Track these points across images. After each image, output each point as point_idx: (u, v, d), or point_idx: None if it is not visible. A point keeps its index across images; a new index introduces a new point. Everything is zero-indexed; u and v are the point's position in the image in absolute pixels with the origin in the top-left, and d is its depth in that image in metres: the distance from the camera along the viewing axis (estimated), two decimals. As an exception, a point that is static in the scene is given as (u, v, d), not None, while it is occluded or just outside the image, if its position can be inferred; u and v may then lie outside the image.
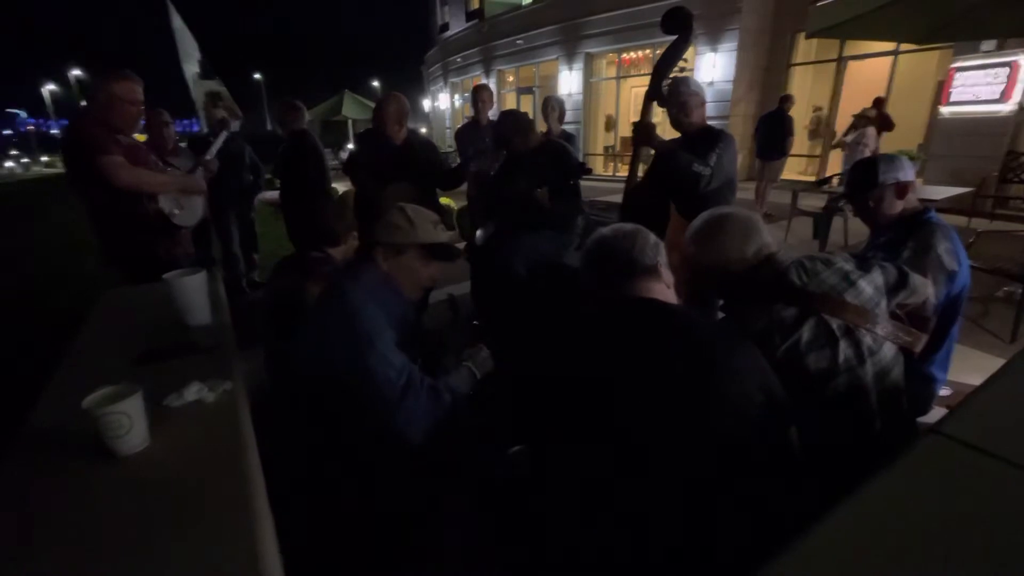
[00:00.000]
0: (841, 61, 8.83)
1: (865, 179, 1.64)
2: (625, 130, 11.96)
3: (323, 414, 1.32)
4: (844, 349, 1.04)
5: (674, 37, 2.18)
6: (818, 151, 9.37)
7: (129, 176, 2.01)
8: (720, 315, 1.27)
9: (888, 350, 1.11)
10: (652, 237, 1.07)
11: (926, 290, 1.35)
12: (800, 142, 9.55)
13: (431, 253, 1.34)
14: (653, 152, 2.34)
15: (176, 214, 2.20)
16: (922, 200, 1.73)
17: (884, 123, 6.37)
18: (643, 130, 2.24)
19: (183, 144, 3.68)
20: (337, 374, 1.20)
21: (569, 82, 12.61)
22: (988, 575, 0.61)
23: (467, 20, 16.45)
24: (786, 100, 6.69)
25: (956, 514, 0.70)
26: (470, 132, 3.82)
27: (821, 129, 9.23)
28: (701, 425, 0.82)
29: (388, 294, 1.30)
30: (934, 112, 7.54)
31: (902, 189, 1.62)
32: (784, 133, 6.62)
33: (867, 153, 5.97)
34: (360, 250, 1.39)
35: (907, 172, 1.62)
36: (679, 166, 2.16)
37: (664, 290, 1.03)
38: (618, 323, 0.96)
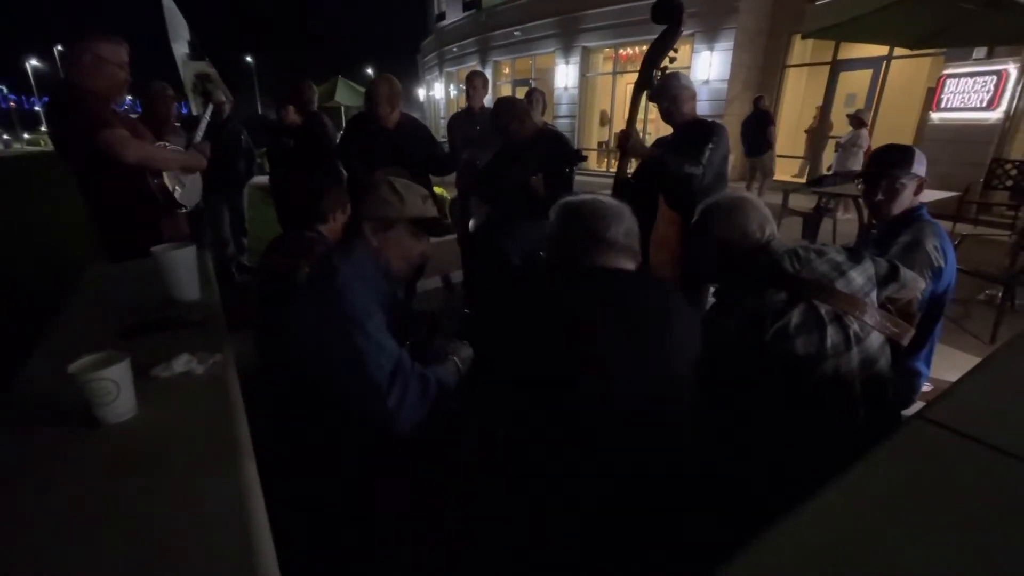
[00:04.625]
0: (836, 64, 8.90)
1: (903, 161, 1.65)
2: (620, 126, 11.94)
3: (310, 394, 1.30)
4: (832, 335, 1.06)
5: (664, 27, 2.19)
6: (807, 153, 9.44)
7: (137, 151, 1.90)
8: (711, 300, 1.29)
9: (875, 339, 1.13)
10: (635, 224, 1.10)
11: (917, 285, 1.37)
12: (795, 143, 9.68)
13: (421, 228, 1.31)
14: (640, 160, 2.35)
15: (178, 191, 2.12)
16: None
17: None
18: (626, 139, 2.24)
19: (177, 124, 3.61)
20: (326, 356, 1.17)
21: (565, 76, 12.58)
22: (970, 551, 0.63)
23: (464, 10, 16.29)
24: (759, 100, 7.15)
25: (939, 495, 0.72)
26: (463, 120, 3.78)
27: (814, 131, 9.29)
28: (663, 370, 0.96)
29: (377, 272, 1.27)
30: (924, 118, 7.64)
31: (921, 185, 1.66)
32: (764, 126, 6.96)
33: (861, 155, 6.06)
34: (349, 226, 1.35)
35: (925, 171, 1.67)
36: (671, 171, 2.17)
37: (629, 264, 1.09)
38: (586, 291, 1.00)
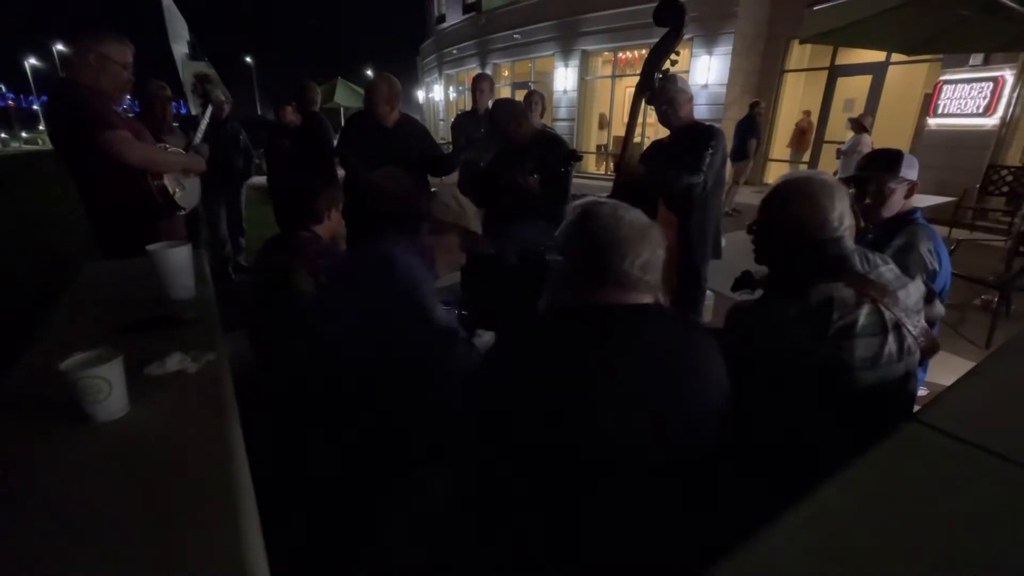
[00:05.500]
0: (833, 69, 8.95)
1: (889, 166, 1.67)
2: (619, 130, 11.99)
3: (310, 391, 1.32)
4: (891, 343, 1.04)
5: (666, 29, 2.19)
6: (806, 157, 9.48)
7: (139, 153, 1.89)
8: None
9: (918, 356, 1.11)
10: (660, 252, 0.91)
11: (940, 312, 1.42)
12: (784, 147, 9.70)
13: (469, 240, 1.47)
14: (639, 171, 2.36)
15: (178, 193, 2.11)
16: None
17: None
18: (622, 164, 2.26)
19: (175, 124, 3.61)
20: (394, 323, 1.30)
21: (564, 79, 12.60)
22: (963, 554, 0.63)
23: (464, 12, 16.32)
24: (755, 105, 7.17)
25: (933, 498, 0.72)
26: (467, 121, 3.79)
27: (809, 134, 9.34)
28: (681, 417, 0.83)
29: (424, 265, 1.39)
30: (921, 123, 7.68)
31: (911, 189, 1.67)
32: (745, 136, 7.03)
33: (864, 160, 6.11)
34: (404, 222, 1.48)
35: (916, 174, 1.68)
36: (671, 184, 2.18)
37: (646, 298, 0.92)
38: (591, 340, 0.84)
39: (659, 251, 0.90)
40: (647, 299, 0.91)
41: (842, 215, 1.09)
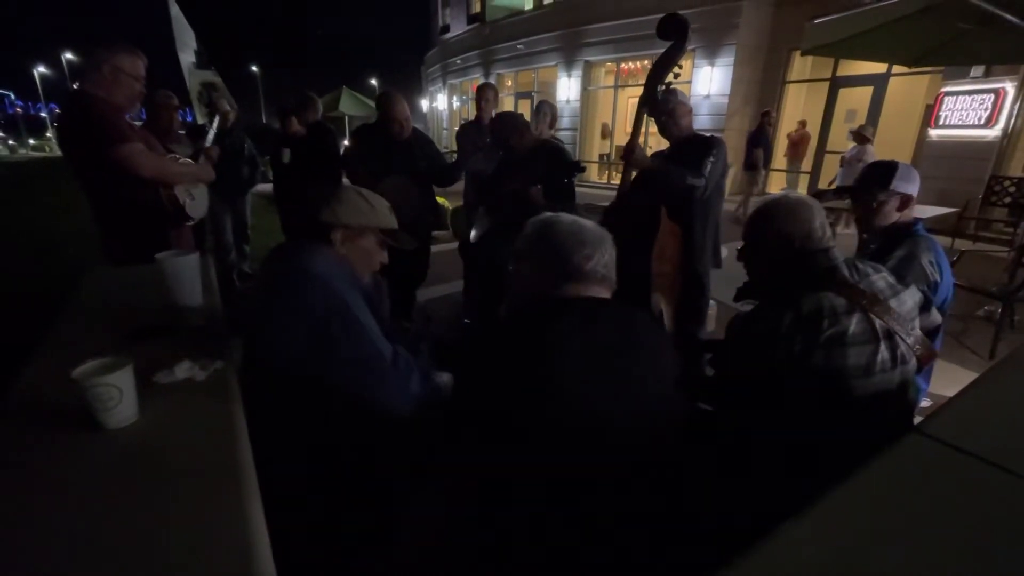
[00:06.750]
0: (835, 80, 9.00)
1: (880, 179, 1.68)
2: (621, 139, 12.05)
3: (301, 396, 1.29)
4: (883, 351, 1.05)
5: (669, 43, 2.21)
6: (806, 167, 9.49)
7: (152, 166, 1.90)
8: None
9: (914, 364, 1.12)
10: (613, 252, 1.03)
11: (936, 320, 1.44)
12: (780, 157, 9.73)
13: (387, 238, 1.36)
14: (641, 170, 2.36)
15: (188, 203, 2.12)
16: (910, 217, 1.78)
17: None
18: (631, 152, 2.25)
19: (181, 132, 3.65)
20: (322, 344, 1.15)
21: (567, 89, 12.70)
22: (965, 565, 0.63)
23: (468, 23, 16.50)
24: (764, 115, 7.31)
25: (935, 509, 0.73)
26: (472, 131, 3.81)
27: (802, 145, 9.35)
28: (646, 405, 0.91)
29: (346, 273, 1.28)
30: (923, 134, 7.70)
31: (905, 202, 1.68)
32: (755, 146, 7.18)
33: (866, 170, 6.14)
34: (312, 231, 1.31)
35: (915, 187, 1.68)
36: (674, 182, 2.19)
37: (604, 293, 1.02)
38: (562, 326, 0.92)
39: (615, 251, 1.03)
40: (606, 292, 1.02)
41: (823, 224, 1.15)
